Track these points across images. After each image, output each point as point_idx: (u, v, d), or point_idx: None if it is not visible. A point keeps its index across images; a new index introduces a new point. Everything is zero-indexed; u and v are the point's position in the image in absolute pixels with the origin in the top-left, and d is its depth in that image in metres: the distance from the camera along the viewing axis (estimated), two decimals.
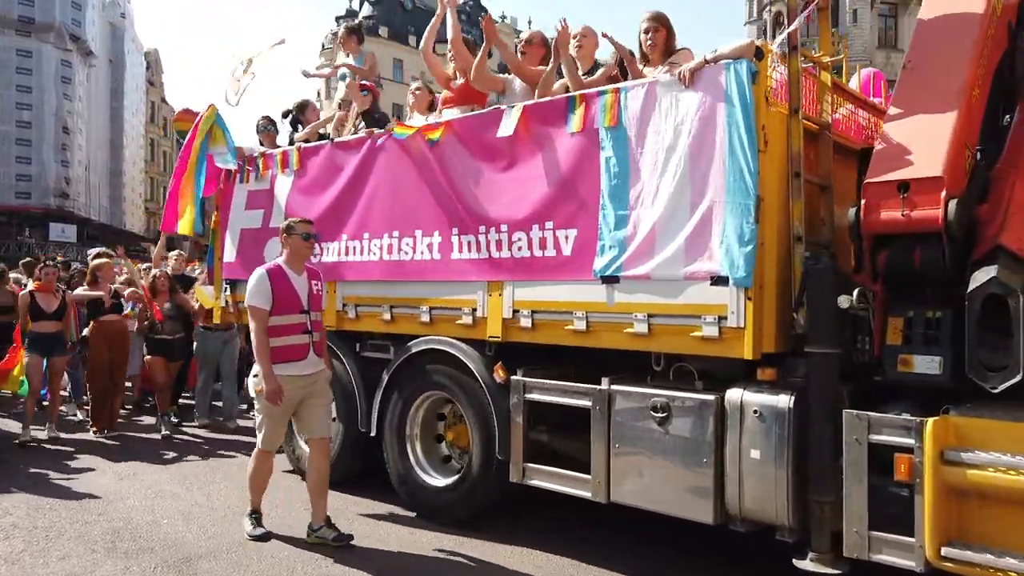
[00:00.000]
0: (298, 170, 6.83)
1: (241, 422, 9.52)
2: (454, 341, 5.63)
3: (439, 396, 5.92)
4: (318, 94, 64.77)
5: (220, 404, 10.00)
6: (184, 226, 7.41)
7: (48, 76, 59.44)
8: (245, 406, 9.93)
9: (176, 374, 9.49)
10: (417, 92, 6.76)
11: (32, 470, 7.30)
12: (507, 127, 5.21)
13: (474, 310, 5.47)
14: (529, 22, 67.56)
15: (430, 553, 5.20)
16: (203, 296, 8.08)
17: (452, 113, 6.09)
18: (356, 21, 8.28)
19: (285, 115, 7.95)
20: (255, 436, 5.59)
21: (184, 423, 9.58)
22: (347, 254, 6.36)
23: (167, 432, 8.88)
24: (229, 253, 7.42)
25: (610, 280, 4.70)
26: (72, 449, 8.26)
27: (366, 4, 61.59)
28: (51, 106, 59.65)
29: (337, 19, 62.83)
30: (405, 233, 5.91)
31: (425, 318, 5.78)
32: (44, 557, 5.04)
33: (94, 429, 8.75)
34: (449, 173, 5.64)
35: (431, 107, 6.63)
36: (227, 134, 7.39)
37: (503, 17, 64.33)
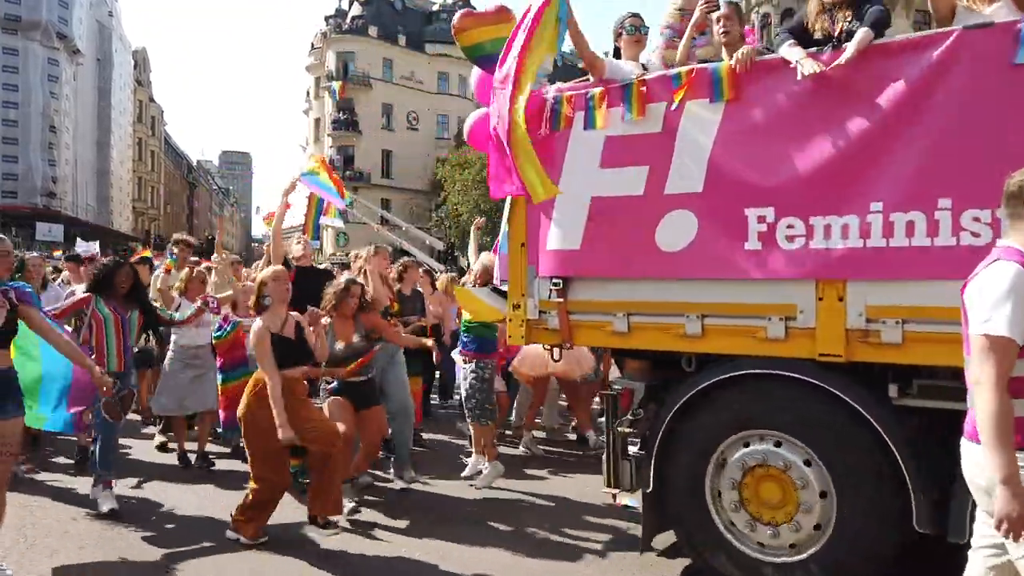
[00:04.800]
0: (732, 101, 3.86)
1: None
2: None
3: None
4: (307, 94, 60.77)
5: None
6: (539, 189, 3.97)
7: (35, 74, 55.10)
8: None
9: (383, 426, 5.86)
10: None
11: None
12: None
13: None
14: None
15: None
16: (478, 304, 4.97)
17: None
18: None
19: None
20: None
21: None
22: (870, 236, 3.48)
23: (354, 503, 5.51)
24: (560, 236, 4.32)
25: None
26: (54, 449, 7.11)
27: (355, 4, 57.58)
28: (38, 104, 55.42)
29: (326, 18, 58.80)
30: None
31: None
32: (32, 553, 4.65)
33: (243, 535, 4.81)
34: None
35: None
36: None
37: None
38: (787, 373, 3.74)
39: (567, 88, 4.43)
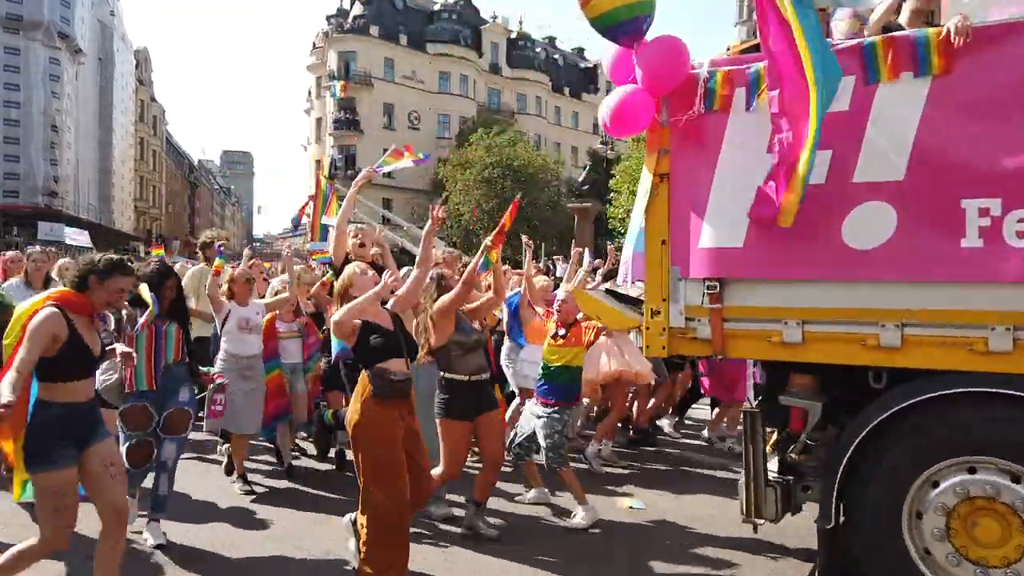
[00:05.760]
0: (942, 74, 3.28)
1: None
2: None
3: None
4: (309, 93, 59.84)
5: None
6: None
7: (36, 74, 54.13)
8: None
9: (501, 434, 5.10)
10: None
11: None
12: None
13: None
14: (520, 22, 63.11)
15: None
16: (603, 309, 4.36)
17: None
18: None
19: None
20: None
21: None
22: None
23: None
24: (717, 232, 3.71)
25: None
26: None
27: (357, 3, 56.73)
28: (39, 104, 54.46)
29: (328, 18, 57.94)
30: None
31: None
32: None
33: None
34: None
35: None
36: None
37: (494, 17, 60.17)
38: (1016, 393, 3.14)
39: (723, 62, 3.83)
